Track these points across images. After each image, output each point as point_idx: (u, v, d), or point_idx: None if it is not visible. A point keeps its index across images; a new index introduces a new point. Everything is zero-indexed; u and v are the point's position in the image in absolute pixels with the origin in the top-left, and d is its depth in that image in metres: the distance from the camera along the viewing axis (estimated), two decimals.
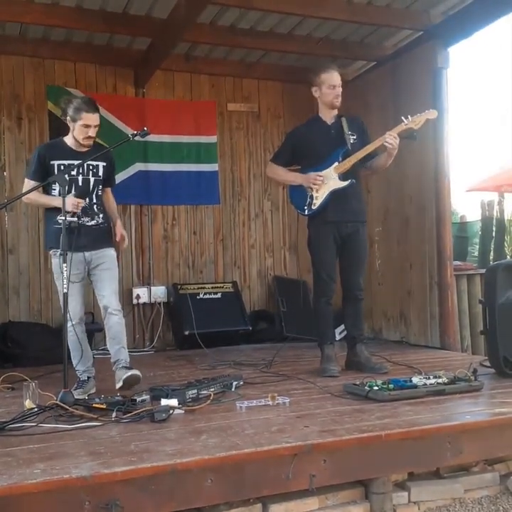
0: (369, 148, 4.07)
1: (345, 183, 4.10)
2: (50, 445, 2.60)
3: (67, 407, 3.04)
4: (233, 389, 3.60)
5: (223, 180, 6.37)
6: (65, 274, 3.43)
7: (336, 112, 4.23)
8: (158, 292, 5.99)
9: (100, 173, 3.86)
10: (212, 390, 3.42)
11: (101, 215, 3.88)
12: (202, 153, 6.25)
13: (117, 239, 3.88)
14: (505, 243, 8.32)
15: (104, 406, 3.08)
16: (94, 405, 3.11)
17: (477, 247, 8.60)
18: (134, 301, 5.88)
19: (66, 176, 3.65)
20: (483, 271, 5.43)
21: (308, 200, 4.18)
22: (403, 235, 5.65)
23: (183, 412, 3.09)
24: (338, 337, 5.24)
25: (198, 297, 5.92)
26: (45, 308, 5.66)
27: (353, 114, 4.42)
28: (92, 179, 3.83)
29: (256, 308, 6.42)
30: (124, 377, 3.60)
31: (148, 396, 3.29)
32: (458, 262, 6.04)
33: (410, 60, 5.48)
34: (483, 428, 2.92)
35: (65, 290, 3.40)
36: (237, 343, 5.79)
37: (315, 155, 4.17)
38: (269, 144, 6.45)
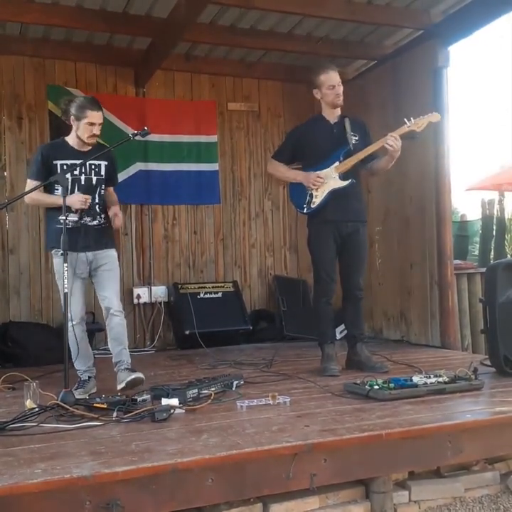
0: (370, 148, 4.07)
1: (345, 183, 4.10)
2: (51, 445, 2.60)
3: (68, 407, 3.04)
4: (234, 388, 3.60)
5: (224, 180, 6.38)
6: (66, 274, 3.43)
7: (339, 111, 4.23)
8: (159, 292, 5.99)
9: (102, 172, 3.86)
10: (212, 389, 3.42)
11: (103, 216, 3.88)
12: (202, 152, 6.25)
13: (110, 214, 3.84)
14: (505, 242, 8.32)
15: (104, 406, 3.08)
16: (95, 405, 3.11)
17: (477, 246, 8.60)
18: (135, 301, 5.89)
19: (68, 175, 3.66)
20: (483, 270, 5.42)
21: (308, 198, 4.18)
22: (403, 235, 5.65)
23: (183, 411, 3.10)
24: (338, 336, 5.24)
25: (198, 297, 5.93)
26: (46, 308, 5.67)
27: (355, 115, 4.42)
28: (94, 178, 3.83)
29: (256, 308, 6.43)
30: (128, 379, 3.61)
31: (148, 395, 3.29)
32: (458, 261, 6.04)
33: (410, 59, 5.48)
34: (484, 427, 2.91)
35: (66, 290, 3.40)
36: (238, 342, 5.80)
37: (316, 153, 4.17)
38: (270, 143, 6.45)
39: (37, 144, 5.64)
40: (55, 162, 3.73)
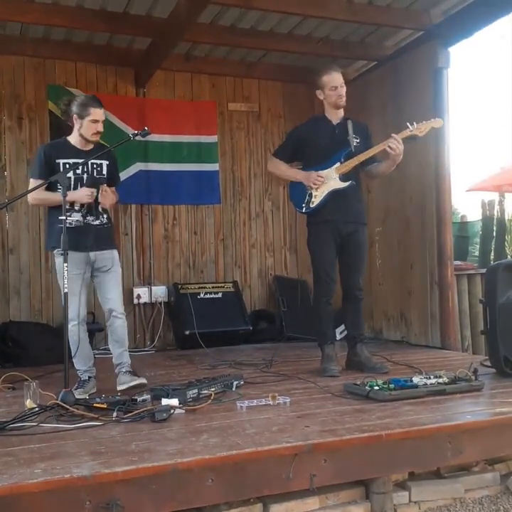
0: (372, 151, 4.07)
1: (345, 184, 4.10)
2: (51, 445, 2.60)
3: (68, 407, 3.04)
4: (234, 389, 3.60)
5: (224, 180, 6.38)
6: (66, 274, 3.43)
7: (342, 113, 4.23)
8: (159, 292, 5.99)
9: (104, 171, 3.86)
10: (212, 389, 3.42)
11: (105, 216, 3.88)
12: (202, 152, 6.26)
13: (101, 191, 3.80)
14: (505, 243, 8.31)
15: (104, 406, 3.08)
16: (95, 405, 3.10)
17: (478, 246, 8.59)
18: (135, 301, 5.88)
19: (70, 174, 3.68)
20: (483, 271, 5.42)
21: (307, 198, 4.18)
22: (404, 235, 5.65)
23: (183, 411, 3.09)
24: (338, 337, 5.24)
25: (198, 297, 5.93)
26: (46, 307, 5.67)
27: (356, 116, 4.42)
28: (96, 178, 3.83)
29: (256, 308, 6.43)
30: (131, 385, 3.64)
31: (148, 396, 3.29)
32: (458, 262, 6.04)
33: (411, 59, 5.48)
34: (484, 428, 2.91)
35: (66, 290, 3.40)
36: (238, 342, 5.79)
37: (317, 153, 4.17)
38: (270, 143, 6.45)
39: (37, 144, 5.65)
40: (57, 161, 3.72)
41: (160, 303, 6.00)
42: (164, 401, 3.12)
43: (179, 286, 5.98)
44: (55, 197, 3.69)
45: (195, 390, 3.32)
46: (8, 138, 5.64)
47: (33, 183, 3.75)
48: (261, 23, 5.48)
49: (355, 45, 5.88)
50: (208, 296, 5.99)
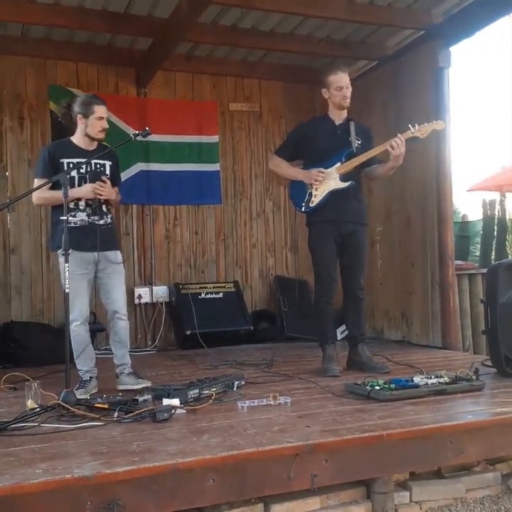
0: (373, 151, 4.07)
1: (345, 184, 4.11)
2: (52, 445, 2.60)
3: (69, 407, 3.04)
4: (235, 389, 3.60)
5: (225, 180, 6.38)
6: (67, 274, 3.43)
7: (345, 114, 4.24)
8: (160, 292, 6.00)
9: (107, 171, 3.87)
10: (213, 389, 3.42)
11: (109, 216, 3.89)
12: (203, 153, 6.26)
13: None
14: (506, 243, 8.31)
15: (106, 406, 3.08)
16: (96, 405, 3.11)
17: (479, 246, 8.59)
18: (136, 301, 5.89)
19: (74, 173, 3.70)
20: (484, 270, 5.42)
21: (307, 197, 4.19)
22: (405, 235, 5.65)
23: (184, 411, 3.10)
24: (339, 337, 5.24)
25: (199, 297, 5.93)
26: (47, 308, 5.67)
27: (358, 116, 4.42)
28: (98, 172, 3.83)
29: (257, 308, 6.43)
30: (136, 388, 3.65)
31: (150, 396, 3.29)
32: (459, 262, 6.04)
33: (412, 59, 5.48)
34: (485, 428, 2.91)
35: (67, 290, 3.40)
36: (239, 342, 5.79)
37: (318, 152, 4.18)
38: (271, 143, 6.45)
39: (38, 144, 5.67)
40: (61, 160, 3.73)
41: (161, 303, 6.01)
42: (165, 401, 3.12)
43: (180, 286, 5.98)
44: (60, 195, 3.64)
45: (196, 390, 3.32)
46: (10, 138, 5.65)
47: (37, 183, 3.74)
48: (262, 23, 5.48)
49: (356, 45, 5.87)
50: (209, 296, 6.00)
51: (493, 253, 7.92)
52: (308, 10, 4.99)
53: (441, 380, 3.44)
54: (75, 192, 3.70)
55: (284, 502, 2.57)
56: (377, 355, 4.57)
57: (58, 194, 3.61)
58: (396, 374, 3.88)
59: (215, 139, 6.31)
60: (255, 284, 6.48)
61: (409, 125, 3.99)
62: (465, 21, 5.03)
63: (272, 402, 3.22)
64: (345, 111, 4.23)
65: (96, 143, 3.84)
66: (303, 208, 4.23)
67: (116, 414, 2.99)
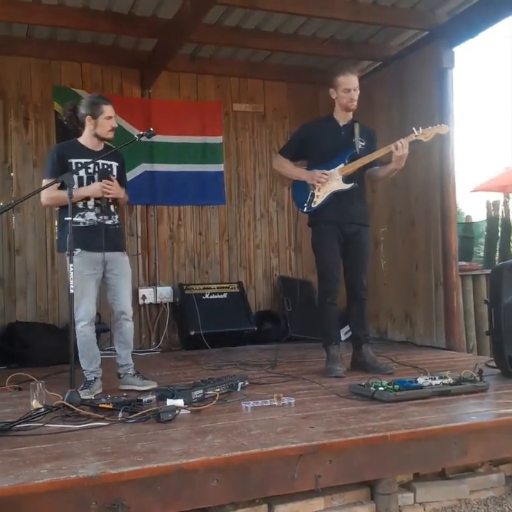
0: (377, 154, 4.08)
1: (347, 186, 4.11)
2: (57, 445, 2.61)
3: (74, 407, 3.05)
4: (239, 389, 3.60)
5: (229, 181, 6.39)
6: (72, 275, 3.44)
7: (350, 115, 4.24)
8: (164, 292, 6.00)
9: (114, 172, 3.90)
10: (217, 390, 3.42)
11: (117, 216, 3.91)
12: (207, 153, 6.26)
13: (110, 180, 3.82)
14: (510, 243, 8.29)
15: (110, 406, 3.09)
16: (100, 405, 3.11)
17: (482, 247, 8.58)
18: (140, 302, 5.89)
19: (82, 173, 3.72)
20: (488, 271, 5.41)
21: (309, 197, 4.19)
22: (408, 236, 5.64)
23: (188, 412, 3.10)
24: (343, 337, 5.23)
25: (203, 297, 5.93)
26: (52, 308, 5.68)
27: (362, 117, 4.42)
28: (106, 170, 3.85)
29: (261, 309, 6.43)
30: (143, 390, 3.66)
31: (154, 396, 3.30)
32: (463, 263, 6.04)
33: (415, 60, 5.47)
34: (489, 429, 2.91)
35: (72, 291, 3.40)
36: (243, 343, 5.80)
37: (322, 153, 4.18)
38: (275, 144, 6.45)
39: (43, 144, 5.69)
40: (70, 161, 3.75)
41: (165, 303, 6.01)
42: (169, 401, 3.13)
43: (184, 286, 5.99)
44: (66, 195, 3.69)
45: (200, 391, 3.33)
46: (15, 139, 5.66)
47: (45, 183, 3.74)
48: (266, 24, 5.49)
49: (360, 46, 5.87)
50: (213, 296, 6.00)
51: (497, 254, 7.91)
52: (312, 10, 4.99)
53: (445, 381, 3.43)
54: (83, 190, 3.73)
55: (288, 503, 2.57)
56: (381, 356, 4.57)
57: (66, 194, 3.62)
58: (400, 375, 3.88)
59: (219, 139, 6.32)
60: (259, 284, 6.48)
61: (414, 128, 3.99)
62: (469, 21, 5.02)
63: (275, 403, 3.22)
64: (351, 113, 4.23)
65: (102, 144, 3.87)
66: (305, 209, 4.23)
67: (120, 415, 3.00)
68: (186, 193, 6.19)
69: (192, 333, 5.60)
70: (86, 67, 5.87)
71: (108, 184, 3.77)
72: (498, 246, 8.01)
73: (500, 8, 4.75)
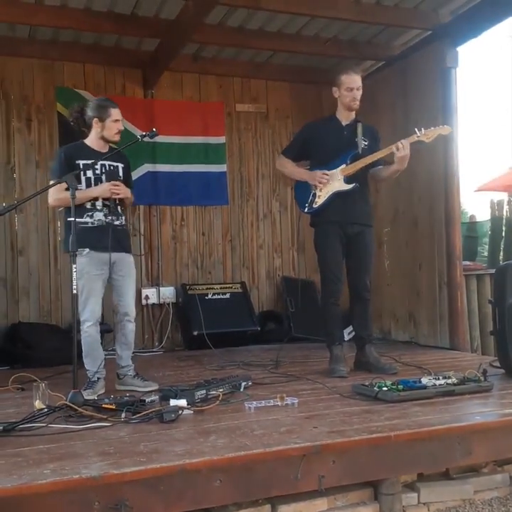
0: (378, 154, 4.07)
1: (349, 186, 4.10)
2: (60, 445, 2.61)
3: (77, 408, 3.05)
4: (242, 389, 3.60)
5: (231, 181, 6.38)
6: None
7: (353, 115, 4.23)
8: (167, 293, 6.01)
9: (120, 173, 3.92)
10: (220, 390, 3.42)
11: (123, 217, 3.93)
12: (210, 153, 6.26)
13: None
14: None
15: (113, 406, 3.09)
16: (103, 406, 3.11)
17: (487, 247, 8.56)
18: (143, 302, 5.90)
19: (89, 174, 3.73)
20: (492, 271, 5.39)
21: (311, 198, 4.19)
22: (412, 235, 5.63)
23: (191, 412, 3.10)
24: (346, 338, 5.23)
25: (206, 298, 5.93)
26: (55, 308, 5.69)
27: (365, 117, 4.42)
28: (114, 171, 3.88)
29: (264, 309, 6.43)
30: (146, 391, 3.65)
31: (157, 397, 3.30)
32: (467, 262, 6.01)
33: (419, 59, 5.46)
34: (493, 429, 2.90)
35: (75, 291, 3.40)
36: (246, 343, 5.80)
37: (324, 152, 4.18)
38: (278, 144, 6.45)
39: (46, 145, 5.70)
40: (77, 162, 3.75)
41: (168, 304, 6.02)
42: (172, 402, 3.12)
43: (187, 287, 5.99)
44: (84, 195, 3.69)
45: (203, 391, 3.32)
46: (17, 140, 5.67)
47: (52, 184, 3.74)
48: (269, 24, 5.48)
49: (363, 45, 5.87)
50: (215, 296, 6.00)
51: (502, 253, 7.89)
52: (315, 10, 4.98)
53: (449, 381, 3.42)
54: (92, 191, 3.75)
55: (292, 503, 2.57)
56: (384, 356, 4.56)
57: (82, 194, 3.64)
58: (404, 375, 3.87)
59: (221, 139, 6.31)
60: (262, 284, 6.48)
61: (416, 129, 3.99)
62: (472, 21, 5.01)
63: (279, 403, 3.21)
64: (354, 112, 4.22)
65: (108, 146, 3.89)
66: (306, 209, 4.24)
67: (123, 415, 2.99)
68: (189, 194, 6.20)
69: (195, 333, 5.60)
70: (88, 68, 5.87)
71: (116, 185, 3.78)
72: (502, 246, 7.99)
73: (504, 7, 4.74)
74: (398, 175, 4.20)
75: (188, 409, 3.09)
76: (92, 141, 3.86)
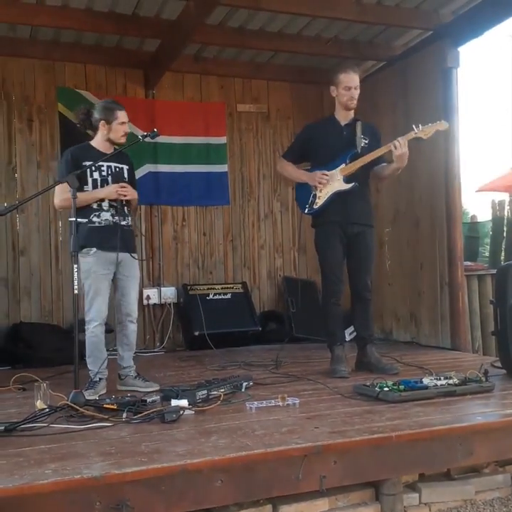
0: (376, 153, 4.07)
1: (348, 186, 4.10)
2: (61, 445, 2.61)
3: (78, 408, 3.05)
4: (243, 390, 3.60)
5: (233, 181, 6.39)
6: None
7: (352, 114, 4.23)
8: (168, 293, 6.01)
9: (125, 175, 3.93)
10: (222, 390, 3.42)
11: (129, 218, 3.93)
12: (211, 154, 6.26)
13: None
14: None
15: (114, 407, 3.09)
16: (105, 406, 3.11)
17: (488, 247, 8.55)
18: (144, 302, 5.89)
19: (96, 175, 3.75)
20: (494, 271, 5.38)
21: (311, 198, 4.20)
22: (413, 235, 5.63)
23: (193, 412, 3.10)
24: (348, 338, 5.22)
25: (207, 298, 5.93)
26: (56, 308, 5.69)
27: (366, 117, 4.42)
28: (120, 173, 3.88)
29: (265, 309, 6.43)
30: (147, 391, 3.65)
31: (158, 397, 3.30)
32: (468, 262, 6.01)
33: (420, 59, 5.46)
34: (494, 429, 2.90)
35: (76, 291, 3.40)
36: (247, 343, 5.80)
37: (324, 153, 4.17)
38: (278, 144, 6.45)
39: (47, 146, 5.70)
40: (84, 163, 3.75)
41: (169, 304, 6.02)
42: (174, 402, 3.12)
43: (188, 287, 5.99)
44: (81, 196, 3.66)
45: (205, 391, 3.32)
46: (19, 140, 5.67)
47: (60, 185, 3.69)
48: (270, 24, 5.49)
49: (364, 46, 5.87)
50: (217, 297, 6.00)
51: (503, 254, 7.87)
52: (315, 10, 4.98)
53: (451, 382, 3.42)
54: (98, 192, 3.75)
55: (293, 503, 2.57)
56: (386, 356, 4.56)
57: (81, 196, 3.62)
58: (405, 375, 3.87)
59: (222, 140, 6.32)
60: (263, 284, 6.48)
61: (413, 126, 3.99)
62: (473, 21, 5.00)
63: (280, 403, 3.21)
64: (352, 111, 4.22)
65: (113, 147, 3.90)
66: (306, 210, 4.24)
67: (124, 415, 3.00)
68: (190, 194, 6.20)
69: (196, 333, 5.60)
70: (90, 68, 5.88)
71: (123, 186, 3.79)
72: (503, 246, 7.97)
73: (505, 7, 4.73)
74: (399, 172, 4.20)
75: (189, 409, 3.09)
76: (98, 142, 3.87)
